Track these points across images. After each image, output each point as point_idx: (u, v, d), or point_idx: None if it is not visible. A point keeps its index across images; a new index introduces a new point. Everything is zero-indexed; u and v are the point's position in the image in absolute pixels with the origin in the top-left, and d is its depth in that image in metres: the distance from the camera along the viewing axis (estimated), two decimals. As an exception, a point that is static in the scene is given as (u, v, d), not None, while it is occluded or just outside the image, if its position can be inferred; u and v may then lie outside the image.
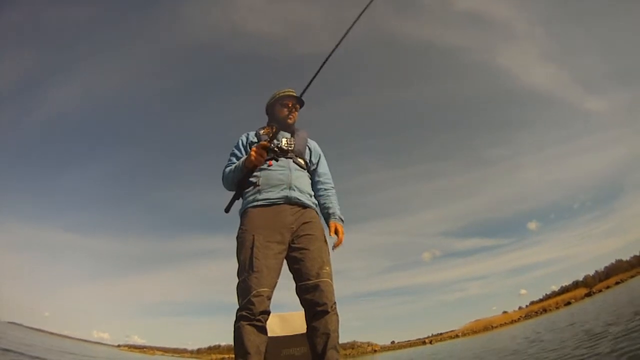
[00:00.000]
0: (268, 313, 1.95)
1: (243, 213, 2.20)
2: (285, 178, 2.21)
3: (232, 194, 2.30)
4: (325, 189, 2.42)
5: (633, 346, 2.65)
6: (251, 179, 2.21)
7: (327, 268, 2.09)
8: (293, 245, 2.11)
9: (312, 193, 2.36)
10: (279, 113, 2.48)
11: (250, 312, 1.88)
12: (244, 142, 2.43)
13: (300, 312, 2.10)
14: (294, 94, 2.48)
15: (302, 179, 2.29)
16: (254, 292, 1.90)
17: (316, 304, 1.98)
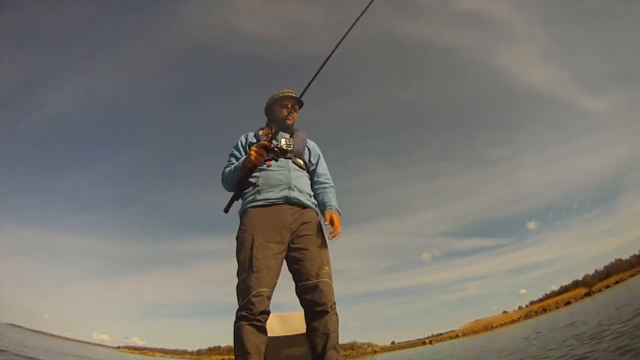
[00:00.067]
0: (268, 313, 1.96)
1: (243, 213, 2.20)
2: (284, 178, 2.22)
3: (231, 194, 2.31)
4: (324, 187, 2.42)
5: (634, 345, 2.65)
6: (250, 179, 2.22)
7: (327, 268, 2.10)
8: (292, 246, 2.11)
9: (312, 193, 2.37)
10: (278, 114, 2.49)
11: (250, 312, 1.88)
12: (243, 143, 2.44)
13: (300, 312, 2.11)
14: (293, 95, 2.49)
15: (301, 179, 2.30)
16: (254, 292, 1.91)
17: (316, 304, 1.98)
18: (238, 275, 2.04)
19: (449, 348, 16.59)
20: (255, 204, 2.17)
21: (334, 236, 2.18)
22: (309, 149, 2.49)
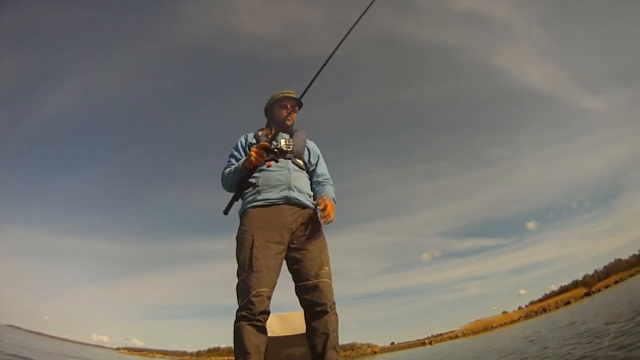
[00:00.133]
0: (268, 313, 1.96)
1: (242, 213, 2.21)
2: (284, 179, 2.22)
3: (230, 196, 2.32)
4: (323, 185, 2.42)
5: (635, 344, 2.65)
6: (251, 180, 2.23)
7: (327, 268, 2.11)
8: (292, 246, 2.12)
9: (312, 194, 2.37)
10: (278, 114, 2.50)
11: (250, 312, 1.88)
12: (243, 144, 2.45)
13: (300, 312, 2.11)
14: (293, 96, 2.50)
15: (301, 180, 2.30)
16: (254, 292, 1.91)
17: (315, 304, 1.99)
18: (238, 275, 2.04)
19: (449, 348, 16.57)
20: (255, 204, 2.17)
21: (325, 221, 2.15)
22: (308, 150, 2.49)
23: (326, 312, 1.98)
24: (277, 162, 2.27)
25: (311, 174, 2.46)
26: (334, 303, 2.04)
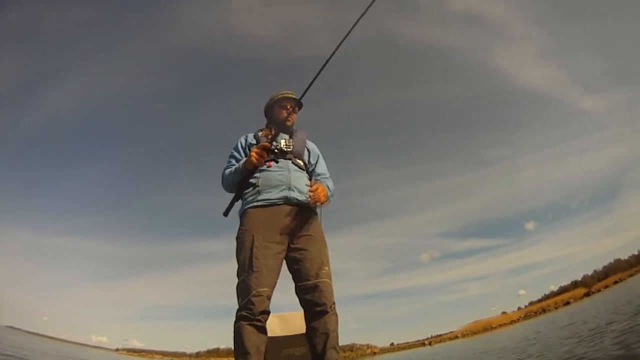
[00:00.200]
0: (268, 313, 1.97)
1: (243, 214, 2.21)
2: (284, 179, 2.23)
3: (230, 197, 2.32)
4: (322, 182, 2.41)
5: (635, 344, 2.65)
6: (251, 180, 2.23)
7: (326, 268, 2.11)
8: (292, 246, 2.12)
9: None
10: (278, 115, 2.50)
11: (250, 312, 1.89)
12: (243, 144, 2.45)
13: (300, 312, 2.11)
14: (293, 96, 2.50)
15: (301, 180, 2.30)
16: (254, 292, 1.91)
17: (315, 304, 1.99)
18: (238, 275, 2.04)
19: (448, 349, 16.57)
20: (255, 204, 2.17)
21: (313, 199, 2.17)
22: (308, 150, 2.50)
23: (326, 312, 1.98)
24: (277, 162, 2.28)
25: (311, 174, 2.47)
26: (334, 303, 2.05)
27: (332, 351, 1.94)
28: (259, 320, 1.91)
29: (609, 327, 4.30)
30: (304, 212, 2.22)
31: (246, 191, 2.25)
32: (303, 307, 2.06)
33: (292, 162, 2.32)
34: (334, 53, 2.38)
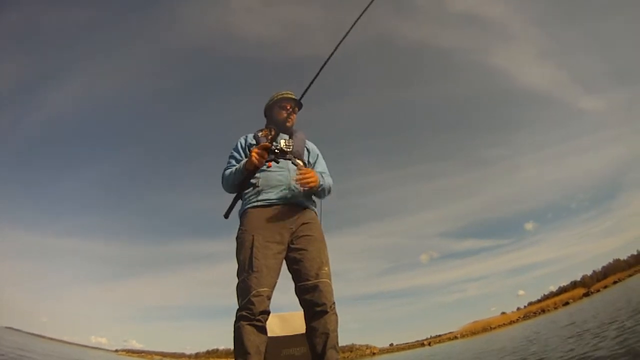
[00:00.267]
0: (268, 313, 1.97)
1: (242, 214, 2.21)
2: (284, 179, 2.23)
3: (230, 199, 2.32)
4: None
5: (636, 344, 2.66)
6: (251, 180, 2.24)
7: (326, 268, 2.11)
8: (292, 246, 2.12)
9: (311, 194, 2.38)
10: (278, 115, 2.51)
11: (250, 312, 1.89)
12: (243, 144, 2.45)
13: (300, 312, 2.10)
14: (293, 97, 2.51)
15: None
16: (254, 292, 1.91)
17: (315, 304, 1.99)
18: (238, 275, 2.04)
19: (448, 350, 16.58)
20: (255, 204, 2.18)
21: (299, 180, 2.16)
22: (308, 150, 2.50)
23: (326, 312, 1.98)
24: (277, 162, 2.28)
25: None
26: (334, 303, 2.04)
27: (332, 351, 1.94)
28: (259, 320, 1.91)
29: (609, 326, 4.31)
30: (304, 213, 2.22)
31: (246, 191, 2.25)
32: (303, 307, 2.06)
33: (292, 163, 2.32)
34: (332, 53, 2.39)
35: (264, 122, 2.60)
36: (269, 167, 2.25)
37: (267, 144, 2.22)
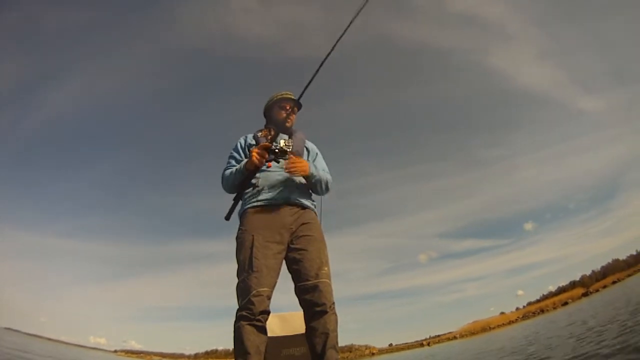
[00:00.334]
0: (268, 313, 1.97)
1: (242, 214, 2.22)
2: (284, 179, 2.23)
3: (230, 200, 2.31)
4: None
5: (636, 343, 2.66)
6: (251, 181, 2.24)
7: (326, 269, 2.11)
8: (292, 246, 2.12)
9: (311, 194, 2.38)
10: (277, 115, 2.51)
11: (250, 312, 1.89)
12: (242, 145, 2.45)
13: (300, 312, 2.10)
14: (292, 97, 2.51)
15: (301, 180, 2.31)
16: (254, 291, 1.92)
17: (315, 304, 1.99)
18: (238, 275, 2.04)
19: (447, 350, 16.59)
20: (255, 204, 2.18)
21: (286, 167, 2.18)
22: (307, 150, 2.50)
23: (325, 312, 1.98)
24: (277, 162, 2.28)
25: None
26: (334, 303, 2.04)
27: (332, 351, 1.94)
28: (259, 320, 1.91)
29: (609, 326, 4.31)
30: (303, 213, 2.22)
31: (246, 191, 2.25)
32: (303, 307, 2.06)
33: None
34: (329, 54, 2.39)
35: (263, 122, 2.60)
36: (268, 167, 2.25)
37: (267, 143, 2.22)
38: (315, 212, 2.33)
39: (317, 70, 2.33)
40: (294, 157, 2.22)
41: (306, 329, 2.04)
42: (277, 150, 2.28)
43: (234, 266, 2.09)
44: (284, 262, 2.13)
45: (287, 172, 2.18)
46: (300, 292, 2.06)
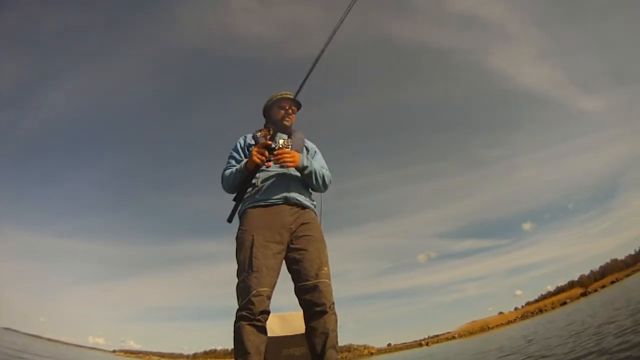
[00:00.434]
0: (268, 313, 1.97)
1: (242, 213, 2.22)
2: (283, 179, 2.23)
3: (231, 202, 2.31)
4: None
5: (636, 343, 2.66)
6: (251, 181, 2.24)
7: (326, 269, 2.11)
8: (292, 246, 2.12)
9: (311, 193, 2.39)
10: (276, 115, 2.50)
11: (250, 312, 1.89)
12: (242, 145, 2.45)
13: (300, 312, 2.10)
14: (291, 96, 2.50)
15: (300, 180, 2.31)
16: (254, 291, 1.91)
17: (315, 304, 1.99)
18: (238, 275, 2.04)
19: (445, 350, 16.60)
20: (254, 204, 2.18)
21: (275, 157, 2.19)
22: (307, 149, 2.50)
23: (325, 312, 1.98)
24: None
25: None
26: (333, 303, 2.04)
27: (332, 351, 1.94)
28: (259, 320, 1.91)
29: (609, 326, 4.31)
30: (303, 212, 2.22)
31: (246, 191, 2.25)
32: (302, 307, 2.06)
33: None
34: (323, 50, 2.36)
35: (263, 122, 2.60)
36: (268, 167, 2.25)
37: (267, 141, 2.22)
38: (315, 212, 2.33)
39: (311, 69, 2.26)
40: (283, 149, 2.22)
41: (306, 329, 2.04)
42: (276, 150, 2.28)
43: (233, 266, 2.09)
44: (284, 262, 2.13)
45: (276, 163, 2.18)
46: (300, 292, 2.06)
